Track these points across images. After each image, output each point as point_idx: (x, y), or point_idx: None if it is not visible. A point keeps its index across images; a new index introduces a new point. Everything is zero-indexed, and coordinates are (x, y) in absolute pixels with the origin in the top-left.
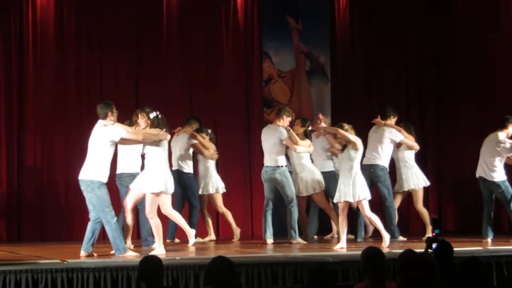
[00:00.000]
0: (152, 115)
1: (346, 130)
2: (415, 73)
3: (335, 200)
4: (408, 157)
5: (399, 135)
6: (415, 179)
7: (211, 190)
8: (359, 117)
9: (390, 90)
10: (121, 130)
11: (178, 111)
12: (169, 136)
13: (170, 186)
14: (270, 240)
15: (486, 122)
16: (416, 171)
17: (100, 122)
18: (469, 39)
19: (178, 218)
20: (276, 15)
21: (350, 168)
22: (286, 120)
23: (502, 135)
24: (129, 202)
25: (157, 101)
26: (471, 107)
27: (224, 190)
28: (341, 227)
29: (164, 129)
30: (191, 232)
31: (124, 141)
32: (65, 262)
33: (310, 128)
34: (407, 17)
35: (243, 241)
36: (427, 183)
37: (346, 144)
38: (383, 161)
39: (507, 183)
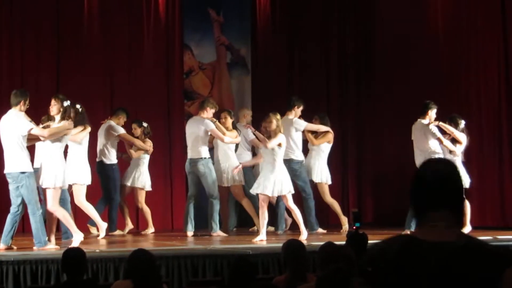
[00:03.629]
0: (66, 103)
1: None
2: (336, 64)
3: (252, 191)
4: (323, 149)
5: (303, 123)
6: (319, 173)
7: (139, 185)
8: (280, 110)
9: (311, 81)
10: (29, 124)
11: (99, 102)
12: (72, 127)
13: (78, 178)
14: (190, 233)
15: (405, 113)
16: (324, 165)
17: (11, 111)
18: (390, 26)
19: (90, 210)
20: (197, 7)
21: (273, 161)
22: (210, 112)
23: (425, 121)
24: None
25: (78, 92)
26: (390, 98)
27: (150, 189)
28: (261, 219)
29: (70, 121)
30: (103, 226)
31: (31, 136)
32: None
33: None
34: (328, 7)
35: (163, 234)
36: (329, 182)
37: (269, 136)
38: (297, 154)
39: None
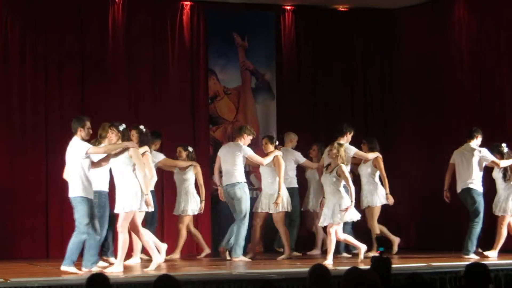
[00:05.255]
0: (121, 127)
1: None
2: (361, 89)
3: (325, 223)
4: (372, 173)
5: (353, 149)
6: (371, 196)
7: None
8: (305, 134)
9: (335, 107)
10: (86, 145)
11: None
12: (135, 145)
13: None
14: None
15: (433, 138)
16: (377, 188)
17: (73, 138)
18: (413, 49)
19: (144, 237)
20: (222, 33)
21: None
22: (247, 139)
23: (474, 144)
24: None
25: (103, 117)
26: (416, 123)
27: (196, 212)
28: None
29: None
30: (137, 258)
31: (92, 158)
32: (8, 281)
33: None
34: (352, 34)
35: (189, 259)
36: (383, 202)
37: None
38: None
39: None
